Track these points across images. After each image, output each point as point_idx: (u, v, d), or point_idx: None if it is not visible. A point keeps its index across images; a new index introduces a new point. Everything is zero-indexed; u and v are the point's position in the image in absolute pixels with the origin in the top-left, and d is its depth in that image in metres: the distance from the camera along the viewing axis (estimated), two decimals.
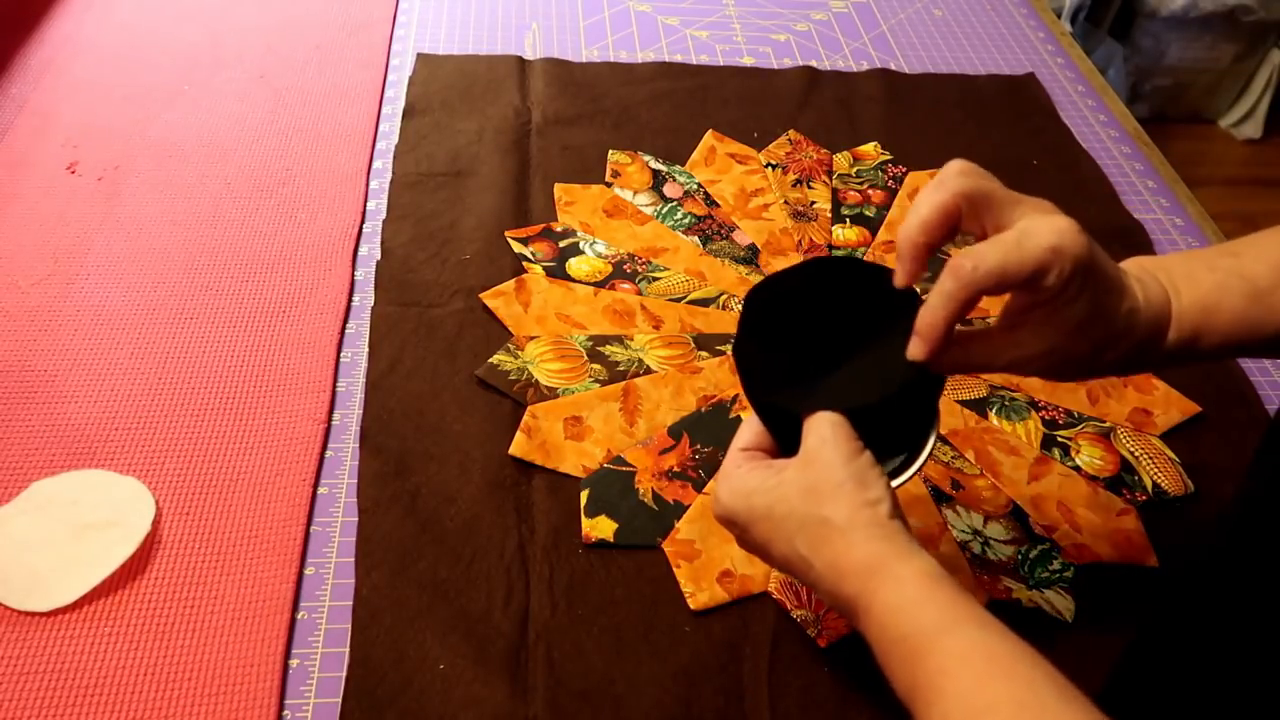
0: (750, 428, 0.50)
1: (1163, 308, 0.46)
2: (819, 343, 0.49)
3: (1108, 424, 0.68)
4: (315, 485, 0.61)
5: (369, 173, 0.83)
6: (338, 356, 0.68)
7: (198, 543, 0.57)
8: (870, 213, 0.84)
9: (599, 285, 0.75)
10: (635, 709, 0.52)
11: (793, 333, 0.49)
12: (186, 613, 0.54)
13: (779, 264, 0.78)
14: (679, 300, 0.74)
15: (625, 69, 0.98)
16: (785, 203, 0.84)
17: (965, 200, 0.44)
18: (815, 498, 0.44)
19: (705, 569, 0.58)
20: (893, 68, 1.02)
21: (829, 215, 0.83)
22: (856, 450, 0.45)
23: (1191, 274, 0.47)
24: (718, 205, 0.83)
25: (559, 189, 0.83)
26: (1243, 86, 2.37)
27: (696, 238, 0.80)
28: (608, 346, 0.70)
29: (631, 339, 0.71)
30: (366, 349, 0.69)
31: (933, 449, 0.49)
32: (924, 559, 0.42)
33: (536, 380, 0.67)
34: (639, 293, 0.74)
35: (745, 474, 0.47)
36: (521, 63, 0.97)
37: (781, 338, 0.49)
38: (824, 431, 0.45)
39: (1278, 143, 2.41)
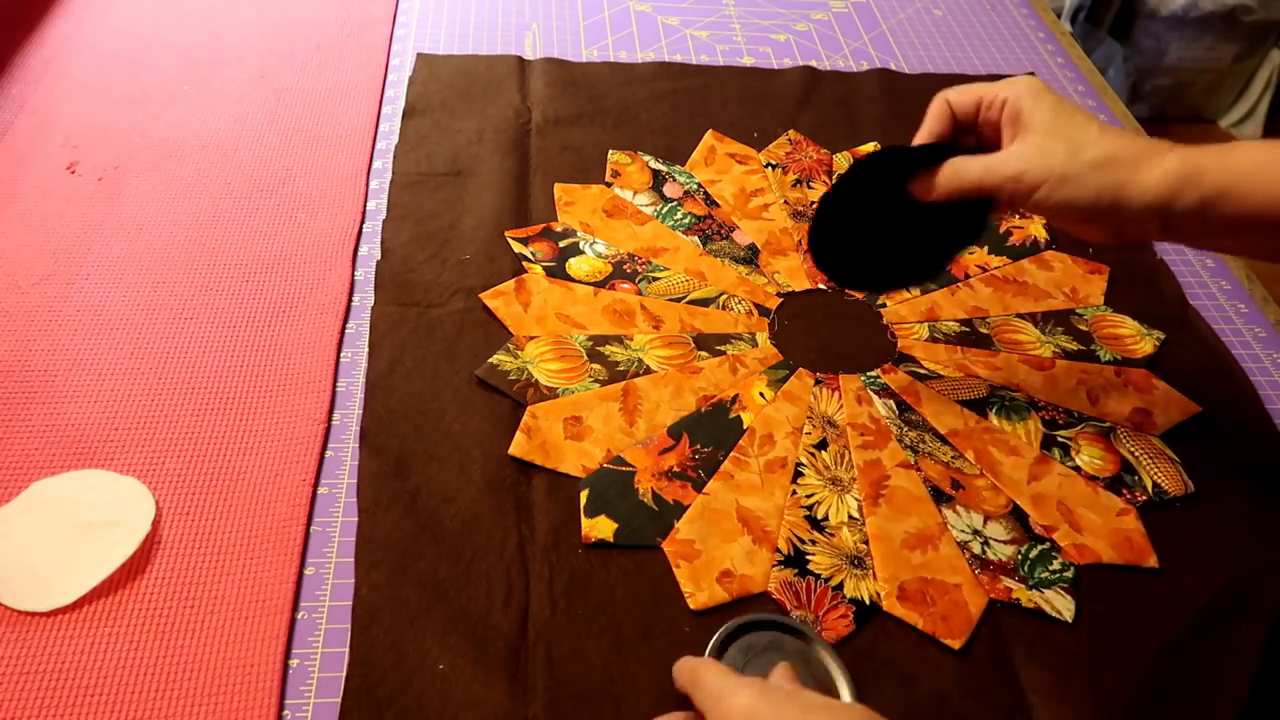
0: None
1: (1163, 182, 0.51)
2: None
3: (1108, 424, 0.68)
4: (315, 485, 0.61)
5: (369, 173, 0.83)
6: (338, 356, 0.68)
7: (198, 543, 0.57)
8: None
9: (599, 285, 0.75)
10: (635, 709, 0.52)
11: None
12: (186, 613, 0.54)
13: (779, 264, 0.78)
14: (679, 300, 0.74)
15: (625, 69, 0.98)
16: (785, 203, 0.84)
17: (993, 107, 0.58)
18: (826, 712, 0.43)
19: (705, 569, 0.58)
20: (893, 68, 1.02)
21: None
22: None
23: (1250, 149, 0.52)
24: (718, 205, 0.83)
25: (559, 189, 0.83)
26: (1243, 86, 2.37)
27: (696, 238, 0.80)
28: (608, 346, 0.70)
29: (631, 339, 0.71)
30: (366, 349, 0.69)
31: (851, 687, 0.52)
32: None
33: (536, 380, 0.67)
34: (639, 293, 0.74)
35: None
36: (521, 63, 0.97)
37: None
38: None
39: None
